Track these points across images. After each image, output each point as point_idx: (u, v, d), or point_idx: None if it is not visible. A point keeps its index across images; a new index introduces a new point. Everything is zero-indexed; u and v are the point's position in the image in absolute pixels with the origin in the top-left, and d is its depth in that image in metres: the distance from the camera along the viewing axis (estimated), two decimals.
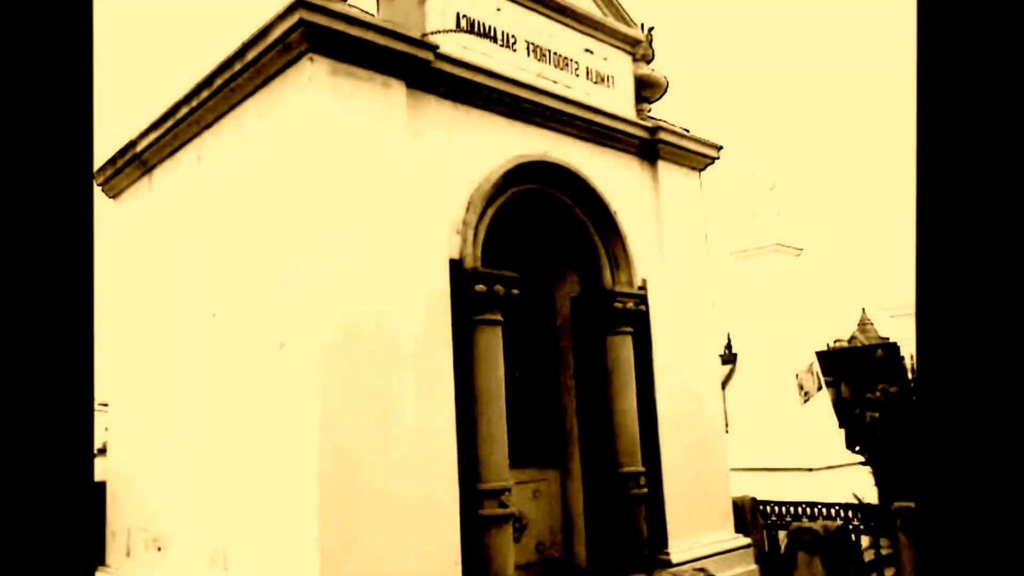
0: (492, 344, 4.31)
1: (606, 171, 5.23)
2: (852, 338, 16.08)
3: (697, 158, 5.90)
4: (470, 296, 4.21)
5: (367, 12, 4.08)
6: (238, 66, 4.05)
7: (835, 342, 16.12)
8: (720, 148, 6.02)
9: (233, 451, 4.07)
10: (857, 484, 9.30)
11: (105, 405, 5.88)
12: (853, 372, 13.54)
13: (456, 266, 4.22)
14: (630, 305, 5.10)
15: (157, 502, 4.78)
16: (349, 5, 4.04)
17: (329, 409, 3.52)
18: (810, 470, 9.38)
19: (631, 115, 5.51)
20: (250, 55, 3.96)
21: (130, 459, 5.21)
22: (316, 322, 3.55)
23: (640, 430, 5.03)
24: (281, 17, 3.73)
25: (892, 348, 14.08)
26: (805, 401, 10.31)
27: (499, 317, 4.34)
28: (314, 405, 3.50)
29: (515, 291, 4.41)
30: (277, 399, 3.77)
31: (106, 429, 5.84)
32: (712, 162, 6.04)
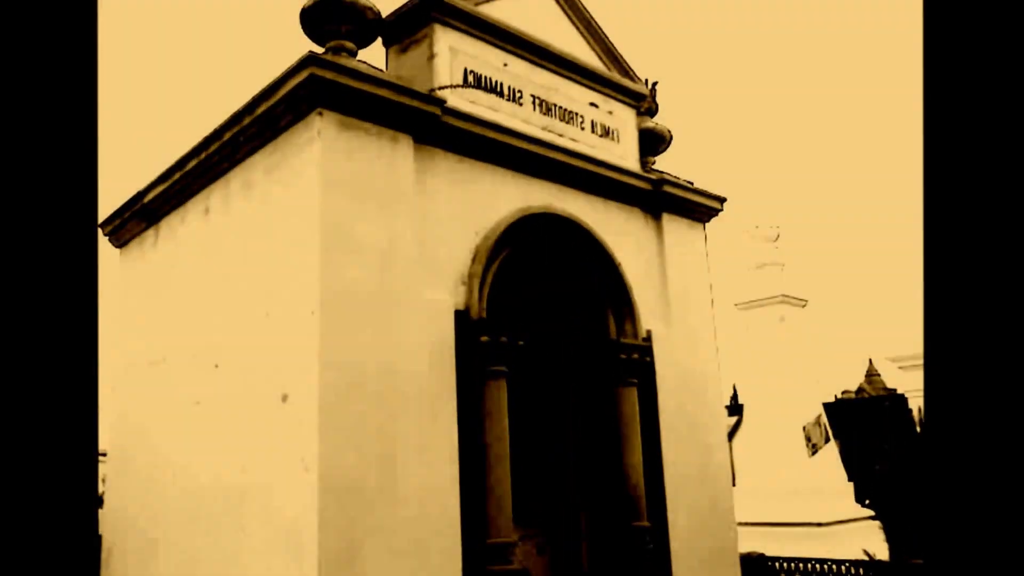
0: (498, 396, 4.27)
1: (611, 223, 5.26)
2: (859, 389, 15.94)
3: (701, 210, 5.93)
4: (476, 347, 4.20)
5: (376, 68, 4.15)
6: (247, 120, 4.10)
7: (842, 393, 15.99)
8: (723, 200, 6.06)
9: (233, 505, 4.01)
10: (869, 540, 9.13)
11: (103, 455, 5.83)
12: (861, 424, 13.38)
13: (461, 317, 4.21)
14: (635, 356, 5.07)
15: (154, 556, 4.70)
16: (359, 61, 4.12)
17: (330, 463, 3.48)
18: (820, 525, 9.22)
19: (635, 168, 5.55)
20: (260, 109, 4.01)
21: (128, 511, 5.14)
22: (319, 375, 3.53)
23: (646, 483, 4.96)
24: (292, 72, 3.79)
25: (899, 400, 13.93)
26: (813, 454, 10.18)
27: (505, 368, 4.31)
28: (315, 458, 3.46)
29: (521, 342, 4.39)
30: (278, 451, 3.73)
31: (103, 480, 5.77)
32: (716, 214, 6.07)
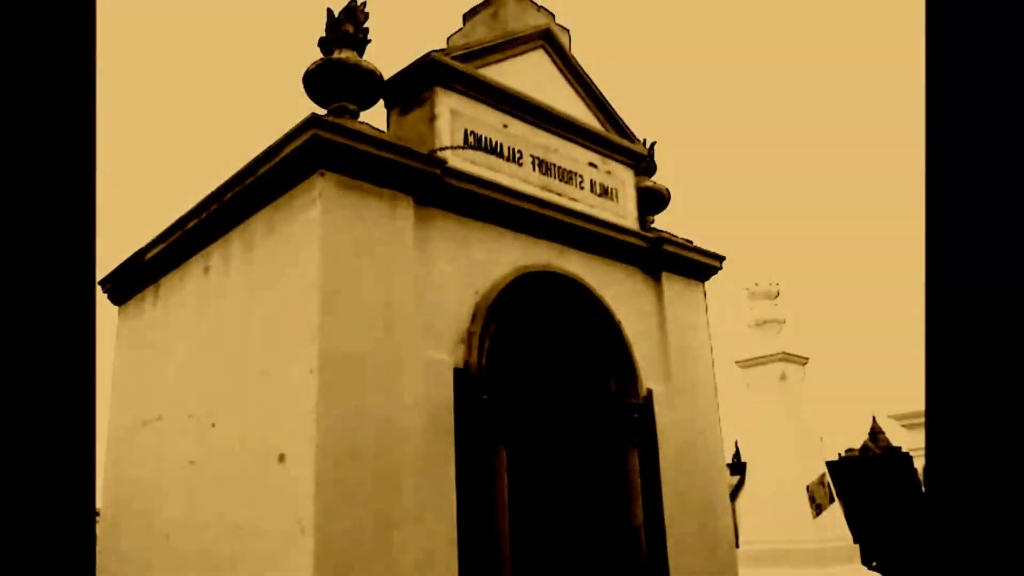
0: (497, 455, 4.23)
1: (610, 281, 5.27)
2: (864, 448, 15.78)
3: (700, 268, 5.96)
4: (475, 406, 4.17)
5: (377, 129, 4.21)
6: (249, 180, 4.15)
7: (846, 452, 15.84)
8: (723, 259, 6.08)
9: (227, 566, 3.93)
10: None
11: (96, 514, 5.74)
12: (865, 483, 13.20)
13: (461, 376, 4.19)
14: (636, 416, 5.04)
15: None
16: (360, 122, 4.18)
17: (326, 525, 3.42)
18: None
19: (634, 226, 5.59)
20: (262, 169, 4.06)
21: (121, 571, 5.04)
22: (316, 435, 3.49)
23: (647, 544, 4.87)
24: (294, 134, 3.85)
25: (904, 458, 13.77)
26: (817, 514, 10.02)
27: (504, 427, 4.28)
28: (311, 520, 3.41)
29: (520, 401, 4.37)
30: (274, 512, 3.67)
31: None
32: (715, 272, 6.09)
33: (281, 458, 3.69)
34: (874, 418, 15.93)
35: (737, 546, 6.62)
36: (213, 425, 4.31)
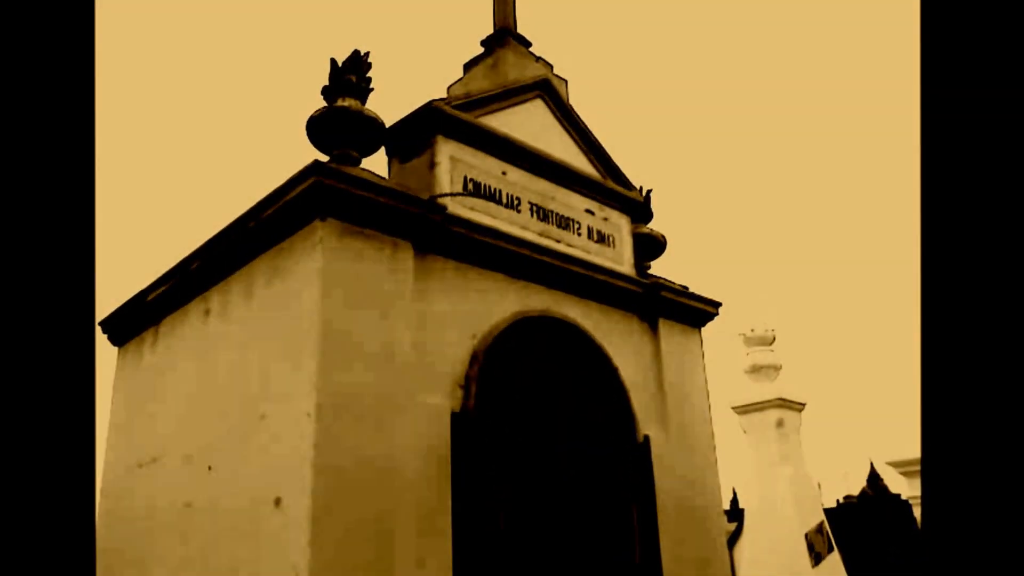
0: (494, 500, 4.22)
1: (607, 327, 5.30)
2: (862, 494, 15.66)
3: (697, 315, 6.00)
4: (472, 450, 4.17)
5: (378, 175, 4.28)
6: (251, 224, 4.20)
7: (845, 499, 15.71)
8: (719, 305, 6.13)
9: None
10: None
11: None
12: (864, 531, 13.08)
13: (458, 420, 4.20)
14: (632, 462, 5.03)
15: None
16: (362, 169, 4.25)
17: (322, 571, 3.40)
18: None
19: (631, 272, 5.64)
20: (264, 214, 4.11)
21: None
22: (312, 479, 3.49)
23: None
24: (297, 180, 3.91)
25: (903, 506, 13.66)
26: (816, 563, 9.91)
27: (501, 472, 4.27)
28: (306, 566, 3.39)
29: (517, 445, 4.37)
30: (270, 557, 3.65)
31: None
32: (712, 318, 6.13)
33: (277, 502, 3.68)
34: (872, 464, 15.84)
35: None
36: (210, 468, 4.30)
